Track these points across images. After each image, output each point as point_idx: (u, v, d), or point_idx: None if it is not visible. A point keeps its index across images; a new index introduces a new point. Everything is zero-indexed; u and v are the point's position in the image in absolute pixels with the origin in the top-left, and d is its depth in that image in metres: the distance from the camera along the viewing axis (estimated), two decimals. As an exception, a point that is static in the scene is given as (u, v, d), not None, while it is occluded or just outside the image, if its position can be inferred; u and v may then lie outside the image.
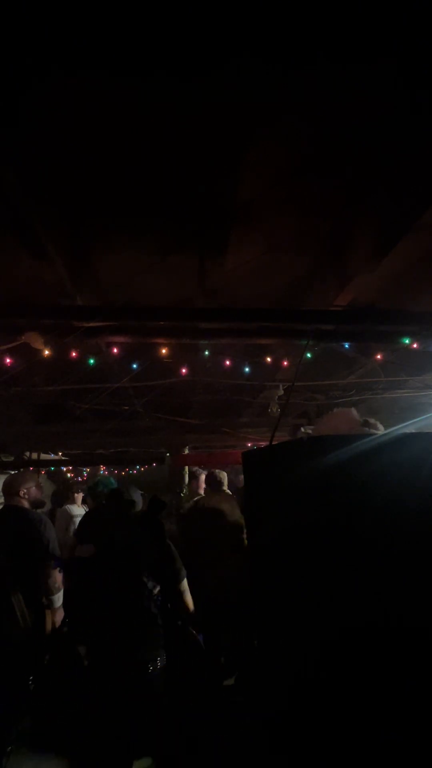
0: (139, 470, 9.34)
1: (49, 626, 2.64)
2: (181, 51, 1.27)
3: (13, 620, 2.43)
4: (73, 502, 5.12)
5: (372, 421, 1.69)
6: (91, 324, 2.22)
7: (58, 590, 2.66)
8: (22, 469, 3.88)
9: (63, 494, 5.42)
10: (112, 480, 3.62)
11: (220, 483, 3.85)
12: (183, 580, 2.14)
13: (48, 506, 5.22)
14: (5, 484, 2.87)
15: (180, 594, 2.11)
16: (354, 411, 1.69)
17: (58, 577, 2.66)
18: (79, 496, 5.13)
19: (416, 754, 1.03)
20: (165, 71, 1.34)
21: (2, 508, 2.86)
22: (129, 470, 9.32)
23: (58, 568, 2.67)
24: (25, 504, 2.78)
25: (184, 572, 2.14)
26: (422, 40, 1.23)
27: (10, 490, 2.80)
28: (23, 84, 1.36)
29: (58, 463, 7.18)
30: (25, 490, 2.78)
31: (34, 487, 2.85)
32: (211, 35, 1.22)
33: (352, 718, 1.05)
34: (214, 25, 1.19)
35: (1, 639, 2.38)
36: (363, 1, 1.15)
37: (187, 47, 1.26)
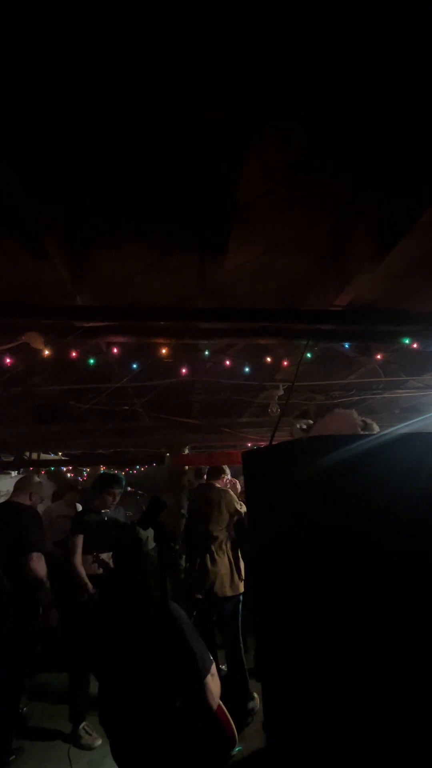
0: (138, 470, 9.33)
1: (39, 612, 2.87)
2: (177, 52, 1.27)
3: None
4: (68, 500, 5.01)
5: (368, 421, 1.69)
6: (91, 324, 2.22)
7: (41, 580, 2.83)
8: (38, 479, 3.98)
9: (58, 493, 5.39)
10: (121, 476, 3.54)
11: (211, 475, 3.87)
12: (207, 674, 1.63)
13: (48, 504, 5.21)
14: (20, 481, 3.22)
15: (202, 689, 1.61)
16: (354, 413, 1.70)
17: (39, 567, 2.82)
18: (73, 495, 5.03)
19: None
20: (162, 76, 1.34)
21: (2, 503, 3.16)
22: (129, 470, 9.32)
23: (37, 558, 2.83)
24: (27, 503, 3.03)
25: (209, 661, 1.66)
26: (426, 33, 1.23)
27: (22, 487, 3.11)
28: (24, 87, 1.36)
29: (58, 463, 7.19)
30: (32, 494, 3.09)
31: (40, 497, 3.19)
32: (206, 30, 1.21)
33: (353, 719, 1.04)
34: (208, 18, 1.18)
35: None
36: None
37: (183, 47, 1.26)
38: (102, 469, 9.54)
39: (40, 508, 3.43)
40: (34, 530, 2.91)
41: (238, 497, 3.83)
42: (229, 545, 3.55)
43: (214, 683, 1.67)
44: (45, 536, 3.07)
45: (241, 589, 3.45)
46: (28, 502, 3.03)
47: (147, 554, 1.86)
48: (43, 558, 2.87)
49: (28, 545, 2.79)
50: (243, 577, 3.50)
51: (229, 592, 3.36)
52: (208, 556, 3.45)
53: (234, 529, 3.60)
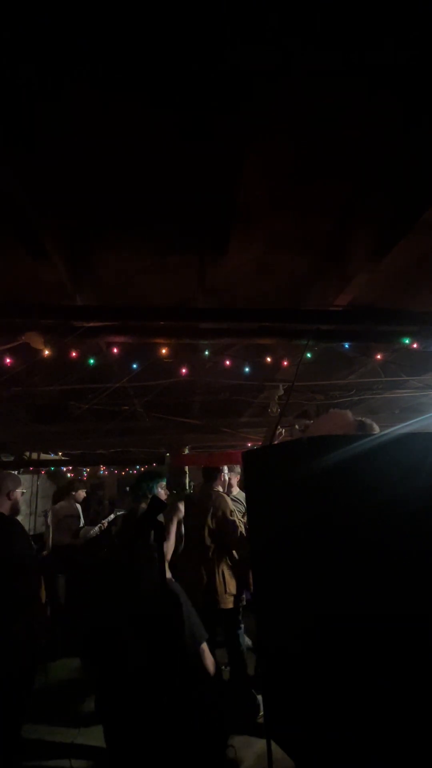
0: (139, 470, 9.33)
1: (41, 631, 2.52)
2: (177, 51, 1.27)
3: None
4: (71, 500, 5.04)
5: (368, 422, 1.69)
6: (91, 324, 2.22)
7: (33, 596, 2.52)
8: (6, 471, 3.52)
9: (61, 492, 5.38)
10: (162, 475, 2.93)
11: (209, 478, 3.80)
12: (204, 640, 1.76)
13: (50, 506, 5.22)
14: None
15: (200, 655, 1.74)
16: (349, 413, 1.70)
17: (31, 584, 2.52)
18: (75, 495, 5.05)
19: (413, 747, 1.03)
20: (162, 76, 1.34)
21: None
22: (129, 470, 9.32)
23: (29, 577, 2.51)
24: (5, 507, 2.64)
25: (203, 633, 1.77)
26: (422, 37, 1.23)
27: None
28: (24, 87, 1.36)
29: (58, 463, 7.18)
30: (10, 492, 2.65)
31: (18, 491, 2.72)
32: (206, 30, 1.21)
33: (354, 719, 1.04)
34: (208, 18, 1.18)
35: None
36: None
37: (183, 46, 1.26)
38: (102, 469, 9.53)
39: (40, 506, 3.22)
40: (21, 545, 2.48)
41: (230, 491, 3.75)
42: (217, 553, 3.50)
43: (209, 655, 1.71)
44: (33, 548, 2.62)
45: (228, 604, 3.32)
46: (5, 508, 2.60)
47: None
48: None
49: (20, 566, 2.45)
50: (230, 591, 3.37)
51: (211, 599, 3.30)
52: (199, 562, 3.41)
53: (220, 532, 3.50)
